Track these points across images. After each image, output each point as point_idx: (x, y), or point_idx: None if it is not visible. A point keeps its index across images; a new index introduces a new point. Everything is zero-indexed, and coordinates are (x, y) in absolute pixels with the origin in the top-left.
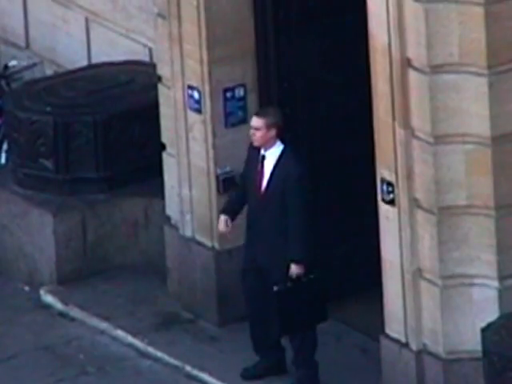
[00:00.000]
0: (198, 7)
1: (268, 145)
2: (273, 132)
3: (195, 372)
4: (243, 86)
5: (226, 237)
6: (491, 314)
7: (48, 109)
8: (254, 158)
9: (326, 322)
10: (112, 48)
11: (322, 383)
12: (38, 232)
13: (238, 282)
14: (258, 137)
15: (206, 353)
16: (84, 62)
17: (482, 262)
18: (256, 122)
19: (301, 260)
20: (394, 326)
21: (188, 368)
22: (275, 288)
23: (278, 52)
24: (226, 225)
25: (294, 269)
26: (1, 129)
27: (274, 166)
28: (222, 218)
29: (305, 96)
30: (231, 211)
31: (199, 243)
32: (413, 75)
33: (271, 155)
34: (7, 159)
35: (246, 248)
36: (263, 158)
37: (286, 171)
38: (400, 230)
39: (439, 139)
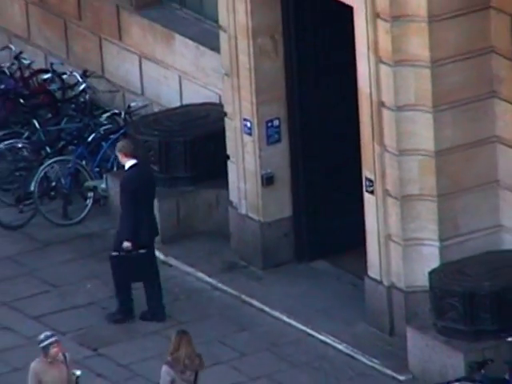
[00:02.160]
0: (249, 69)
1: (123, 162)
2: (122, 155)
3: (248, 299)
4: (278, 118)
5: None
6: (434, 263)
7: (156, 133)
8: None
9: (331, 268)
10: (196, 94)
11: (328, 305)
12: None
13: (274, 243)
14: (118, 157)
15: (254, 287)
16: (177, 103)
17: (429, 230)
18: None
19: (128, 239)
20: (373, 270)
21: (243, 296)
22: (112, 253)
23: (301, 97)
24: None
25: (124, 244)
26: None
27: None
28: None
29: (318, 125)
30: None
31: (250, 218)
32: (385, 112)
33: (126, 167)
34: None
35: None
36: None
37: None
38: (377, 210)
39: (402, 152)
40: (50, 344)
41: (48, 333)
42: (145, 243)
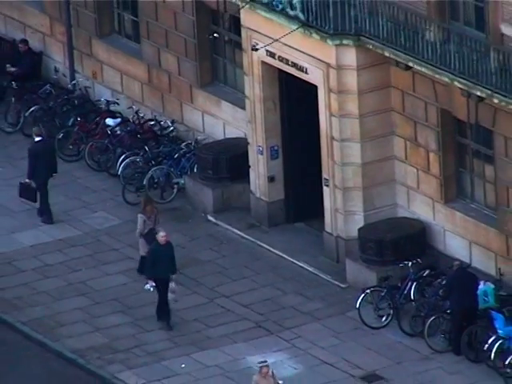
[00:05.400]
0: (261, 119)
1: (34, 137)
2: (34, 134)
3: (260, 243)
4: (277, 145)
5: None
6: (361, 224)
7: (211, 153)
8: None
9: (305, 227)
10: (232, 132)
11: (303, 246)
12: (206, 196)
13: (274, 213)
14: (33, 135)
15: (264, 237)
16: (222, 137)
17: (359, 206)
18: None
19: (29, 178)
20: (328, 227)
21: (258, 242)
22: (20, 181)
23: (289, 134)
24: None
25: (26, 180)
26: (195, 160)
27: None
28: None
29: (300, 149)
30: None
31: (262, 199)
32: (335, 142)
33: (35, 140)
34: (197, 170)
35: None
36: None
37: None
38: (330, 195)
39: (343, 164)
40: (261, 366)
41: (262, 359)
42: (37, 183)
